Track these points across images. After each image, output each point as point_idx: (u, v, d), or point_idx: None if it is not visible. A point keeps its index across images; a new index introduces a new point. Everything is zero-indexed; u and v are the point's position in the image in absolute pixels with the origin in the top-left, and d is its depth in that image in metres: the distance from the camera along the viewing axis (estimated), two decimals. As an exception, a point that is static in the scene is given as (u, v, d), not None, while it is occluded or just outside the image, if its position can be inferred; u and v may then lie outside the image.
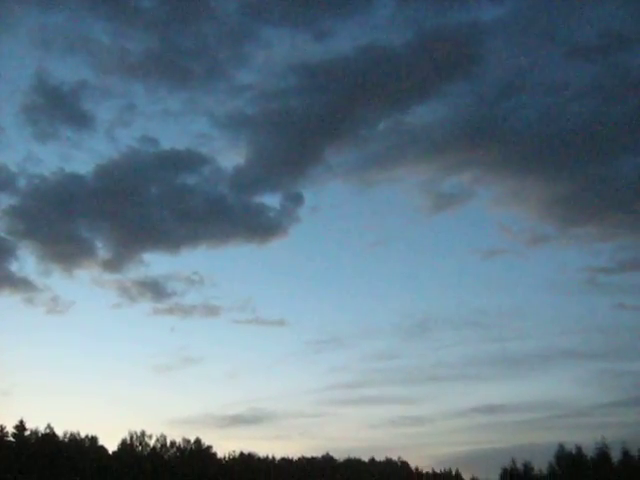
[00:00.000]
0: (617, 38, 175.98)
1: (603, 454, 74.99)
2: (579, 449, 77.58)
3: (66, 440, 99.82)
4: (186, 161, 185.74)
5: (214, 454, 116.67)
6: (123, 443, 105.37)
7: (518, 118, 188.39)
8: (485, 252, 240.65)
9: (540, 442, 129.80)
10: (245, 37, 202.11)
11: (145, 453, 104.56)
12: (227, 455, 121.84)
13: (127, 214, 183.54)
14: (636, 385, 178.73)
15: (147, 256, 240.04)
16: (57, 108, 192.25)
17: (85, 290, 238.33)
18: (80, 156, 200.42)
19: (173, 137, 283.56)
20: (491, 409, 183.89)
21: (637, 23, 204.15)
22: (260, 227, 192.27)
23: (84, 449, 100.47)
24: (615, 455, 75.00)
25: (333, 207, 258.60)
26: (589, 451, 76.61)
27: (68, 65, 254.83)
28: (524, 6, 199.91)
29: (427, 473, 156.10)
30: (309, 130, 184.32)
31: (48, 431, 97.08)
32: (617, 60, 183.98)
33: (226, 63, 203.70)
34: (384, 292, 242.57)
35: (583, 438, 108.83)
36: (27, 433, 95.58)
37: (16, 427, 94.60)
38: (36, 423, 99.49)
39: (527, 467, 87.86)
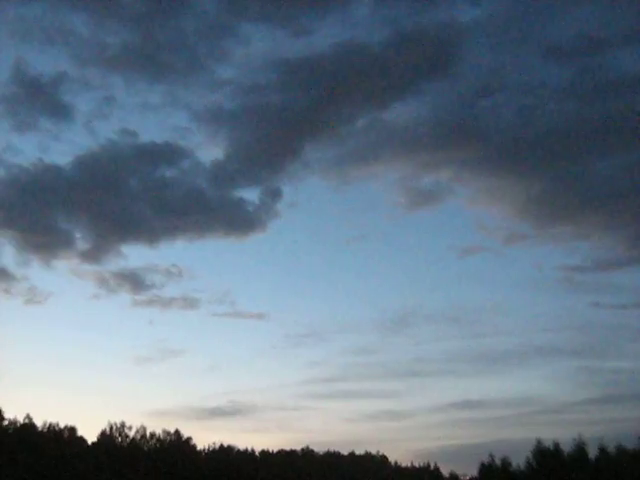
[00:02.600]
0: (593, 41, 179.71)
1: (580, 450, 75.66)
2: (556, 445, 78.16)
3: (45, 430, 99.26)
4: (165, 154, 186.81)
5: (194, 446, 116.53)
6: (102, 434, 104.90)
7: (495, 117, 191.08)
8: (462, 249, 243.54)
9: (518, 438, 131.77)
10: (224, 32, 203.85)
11: (124, 444, 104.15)
12: (206, 447, 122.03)
13: (106, 206, 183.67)
14: (612, 383, 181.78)
15: (126, 248, 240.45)
16: (36, 99, 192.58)
17: (63, 281, 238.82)
18: (59, 147, 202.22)
19: (152, 130, 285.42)
20: (469, 405, 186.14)
21: (613, 26, 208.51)
22: (239, 221, 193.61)
23: (63, 439, 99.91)
24: (592, 451, 75.88)
25: (311, 202, 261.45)
26: (566, 447, 77.36)
27: (47, 57, 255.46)
28: (502, 7, 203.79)
29: (406, 467, 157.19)
30: (288, 126, 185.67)
31: (27, 421, 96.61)
32: (593, 62, 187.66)
33: (206, 58, 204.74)
34: (363, 287, 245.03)
35: (560, 434, 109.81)
36: (5, 423, 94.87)
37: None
38: (14, 413, 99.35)
39: (505, 462, 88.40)
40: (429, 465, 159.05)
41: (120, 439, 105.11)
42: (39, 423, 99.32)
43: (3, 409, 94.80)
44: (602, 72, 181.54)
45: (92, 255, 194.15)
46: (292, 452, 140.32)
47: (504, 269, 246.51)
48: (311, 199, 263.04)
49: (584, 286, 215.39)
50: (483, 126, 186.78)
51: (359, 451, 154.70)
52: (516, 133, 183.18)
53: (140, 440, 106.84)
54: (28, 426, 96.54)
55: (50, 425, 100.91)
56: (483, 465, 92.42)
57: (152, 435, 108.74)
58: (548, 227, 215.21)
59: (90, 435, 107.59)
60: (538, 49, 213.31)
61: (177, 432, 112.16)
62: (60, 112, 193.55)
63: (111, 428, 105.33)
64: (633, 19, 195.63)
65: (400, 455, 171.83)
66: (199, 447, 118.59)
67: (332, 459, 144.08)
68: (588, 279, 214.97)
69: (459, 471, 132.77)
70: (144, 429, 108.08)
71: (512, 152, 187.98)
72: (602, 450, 75.23)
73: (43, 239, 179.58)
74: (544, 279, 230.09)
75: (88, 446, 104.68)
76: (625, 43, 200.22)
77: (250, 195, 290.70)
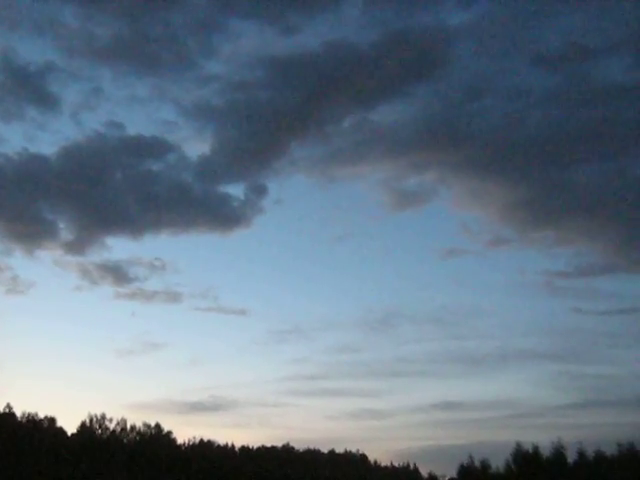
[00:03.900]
0: (580, 49, 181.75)
1: (559, 454, 76.17)
2: (536, 448, 78.59)
3: (24, 420, 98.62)
4: (152, 148, 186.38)
5: (174, 440, 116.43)
6: (82, 425, 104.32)
7: (481, 122, 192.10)
8: (446, 251, 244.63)
9: (497, 440, 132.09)
10: (214, 28, 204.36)
11: (104, 436, 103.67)
12: (187, 441, 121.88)
13: (91, 197, 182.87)
14: (592, 388, 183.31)
15: (110, 240, 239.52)
16: (23, 88, 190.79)
17: (46, 271, 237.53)
18: (45, 137, 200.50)
19: (139, 123, 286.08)
20: (450, 406, 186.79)
21: (600, 35, 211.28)
22: (224, 216, 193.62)
23: (42, 429, 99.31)
24: (571, 456, 76.42)
25: (297, 200, 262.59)
26: (545, 451, 77.80)
27: (35, 46, 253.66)
28: (491, 13, 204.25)
29: (385, 467, 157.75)
30: (274, 123, 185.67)
31: (7, 411, 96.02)
32: (580, 70, 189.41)
33: (194, 53, 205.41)
34: (347, 286, 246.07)
35: (540, 438, 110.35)
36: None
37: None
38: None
39: (484, 464, 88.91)
40: (408, 465, 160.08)
41: (100, 431, 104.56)
42: (19, 413, 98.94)
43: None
44: (588, 80, 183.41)
45: (76, 246, 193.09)
46: (272, 448, 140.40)
47: (487, 272, 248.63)
48: (296, 197, 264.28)
49: (566, 291, 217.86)
50: (469, 130, 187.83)
51: (339, 449, 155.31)
52: (502, 138, 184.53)
53: (120, 432, 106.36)
54: (7, 415, 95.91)
55: (29, 415, 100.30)
56: (462, 466, 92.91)
57: (132, 428, 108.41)
58: (531, 232, 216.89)
59: (70, 426, 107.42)
60: (525, 55, 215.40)
61: (158, 425, 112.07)
62: (47, 102, 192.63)
63: (91, 420, 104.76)
64: (620, 28, 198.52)
65: (380, 454, 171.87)
66: (179, 441, 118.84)
67: (312, 456, 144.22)
68: (570, 284, 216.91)
69: (438, 472, 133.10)
70: (124, 421, 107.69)
71: (497, 156, 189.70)
72: (581, 455, 75.85)
73: (27, 229, 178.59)
74: (526, 283, 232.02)
75: (67, 437, 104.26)
76: (611, 52, 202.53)
77: (235, 191, 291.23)
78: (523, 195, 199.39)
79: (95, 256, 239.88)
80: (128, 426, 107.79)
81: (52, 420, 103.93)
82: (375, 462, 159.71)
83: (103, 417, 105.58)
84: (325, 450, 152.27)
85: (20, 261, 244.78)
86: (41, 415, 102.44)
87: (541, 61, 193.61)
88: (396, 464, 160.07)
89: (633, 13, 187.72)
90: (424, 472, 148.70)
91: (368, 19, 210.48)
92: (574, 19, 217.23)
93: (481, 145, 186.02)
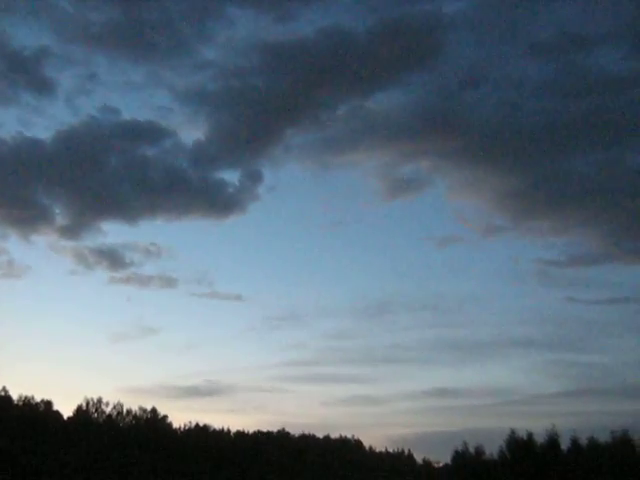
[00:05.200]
0: (576, 38, 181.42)
1: (553, 441, 76.57)
2: (530, 435, 78.96)
3: (20, 404, 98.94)
4: (147, 133, 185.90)
5: (170, 424, 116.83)
6: (79, 409, 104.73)
7: (477, 110, 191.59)
8: (441, 239, 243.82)
9: (491, 427, 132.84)
10: (209, 14, 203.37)
11: (100, 420, 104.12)
12: (182, 426, 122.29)
13: (86, 182, 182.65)
14: (585, 376, 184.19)
15: (105, 225, 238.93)
16: (18, 73, 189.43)
17: (42, 256, 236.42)
18: (40, 122, 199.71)
19: (134, 109, 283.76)
20: (444, 393, 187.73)
21: (596, 25, 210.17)
22: (219, 202, 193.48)
23: (39, 413, 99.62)
24: (564, 443, 76.80)
25: (292, 187, 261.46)
26: (539, 438, 78.14)
27: (31, 30, 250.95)
28: (486, 1, 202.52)
29: (380, 452, 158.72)
30: (269, 110, 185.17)
31: (3, 394, 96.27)
32: (575, 60, 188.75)
33: (190, 39, 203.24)
34: (342, 273, 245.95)
35: (534, 425, 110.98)
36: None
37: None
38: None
39: (478, 451, 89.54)
40: (403, 451, 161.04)
41: (96, 415, 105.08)
42: (15, 396, 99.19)
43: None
44: (583, 70, 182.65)
45: (71, 231, 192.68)
46: (268, 433, 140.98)
47: (482, 260, 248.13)
48: (291, 183, 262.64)
49: (559, 280, 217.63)
50: (464, 118, 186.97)
51: (334, 435, 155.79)
52: (497, 127, 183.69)
53: (116, 416, 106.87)
54: (4, 399, 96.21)
55: (26, 398, 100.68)
56: (457, 453, 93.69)
57: (128, 412, 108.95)
58: (526, 221, 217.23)
59: (66, 410, 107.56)
60: (521, 45, 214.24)
61: (154, 410, 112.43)
62: (42, 87, 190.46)
63: (87, 403, 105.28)
64: (615, 18, 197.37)
65: (375, 440, 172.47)
66: (175, 425, 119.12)
67: (308, 441, 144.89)
68: (563, 274, 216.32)
69: (433, 458, 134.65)
70: (121, 406, 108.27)
71: (492, 145, 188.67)
72: (574, 442, 76.21)
73: (22, 213, 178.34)
74: (521, 272, 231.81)
75: (64, 421, 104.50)
76: (607, 42, 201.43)
77: (230, 177, 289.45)
78: (518, 184, 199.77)
79: (90, 241, 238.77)
80: (124, 410, 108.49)
81: (48, 404, 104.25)
82: (370, 448, 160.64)
83: (99, 401, 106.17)
84: (320, 435, 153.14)
85: (15, 245, 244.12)
86: (37, 399, 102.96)
87: (536, 50, 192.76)
88: (391, 450, 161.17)
89: (628, 3, 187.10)
90: (419, 458, 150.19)
91: (363, 6, 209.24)
92: (569, 9, 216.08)
93: (476, 134, 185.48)
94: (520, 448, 78.06)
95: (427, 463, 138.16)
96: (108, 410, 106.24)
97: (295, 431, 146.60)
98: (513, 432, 79.96)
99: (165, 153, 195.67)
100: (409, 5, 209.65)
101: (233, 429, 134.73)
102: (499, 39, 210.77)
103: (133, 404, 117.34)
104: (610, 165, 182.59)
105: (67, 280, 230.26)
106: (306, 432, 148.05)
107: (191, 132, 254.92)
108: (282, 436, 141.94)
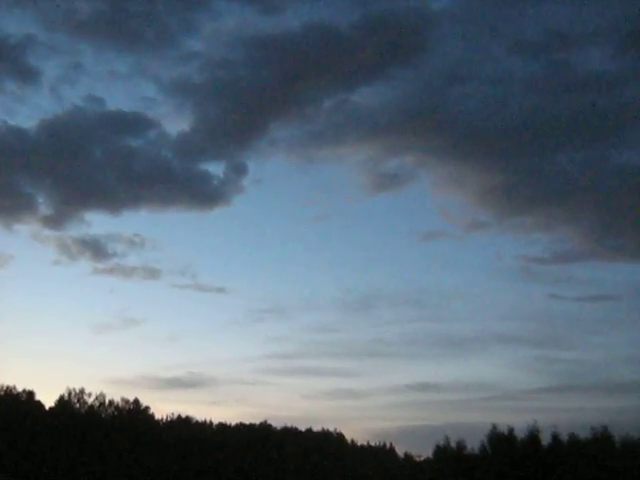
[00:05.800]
0: (560, 37, 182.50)
1: (533, 437, 77.18)
2: (511, 430, 79.51)
3: (2, 393, 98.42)
4: (131, 123, 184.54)
5: (152, 415, 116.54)
6: (61, 399, 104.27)
7: (461, 107, 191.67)
8: (425, 234, 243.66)
9: (473, 422, 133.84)
10: (195, 6, 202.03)
11: (83, 410, 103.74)
12: (165, 417, 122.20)
13: (70, 171, 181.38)
14: (567, 373, 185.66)
15: (88, 215, 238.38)
16: (2, 61, 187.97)
17: (24, 245, 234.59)
18: (24, 110, 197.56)
19: (119, 99, 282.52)
20: (427, 387, 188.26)
21: (580, 23, 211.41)
22: (203, 194, 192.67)
23: (20, 403, 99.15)
24: (545, 438, 77.40)
25: (276, 180, 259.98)
26: (520, 433, 78.67)
27: (15, 19, 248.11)
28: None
29: (362, 446, 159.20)
30: (255, 102, 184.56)
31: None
32: (559, 58, 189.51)
33: (175, 30, 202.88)
34: (326, 266, 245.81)
35: (515, 420, 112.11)
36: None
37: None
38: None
39: (460, 445, 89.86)
40: (385, 445, 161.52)
41: (78, 405, 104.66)
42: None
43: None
44: (568, 68, 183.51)
45: (54, 220, 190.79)
46: (251, 425, 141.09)
47: (465, 256, 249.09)
48: (276, 177, 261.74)
49: (542, 277, 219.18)
50: (449, 114, 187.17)
51: (316, 428, 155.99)
52: (481, 123, 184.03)
53: (98, 407, 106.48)
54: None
55: (7, 388, 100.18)
56: (438, 447, 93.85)
57: (111, 403, 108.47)
58: (509, 217, 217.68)
59: (48, 400, 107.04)
60: (506, 42, 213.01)
61: (136, 401, 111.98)
62: (26, 75, 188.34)
63: (69, 394, 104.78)
64: (601, 17, 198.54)
65: (356, 434, 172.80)
66: (157, 417, 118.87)
67: (290, 434, 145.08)
68: (546, 270, 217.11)
69: (414, 452, 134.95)
70: (103, 396, 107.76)
71: (477, 141, 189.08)
72: (555, 437, 76.81)
73: (5, 202, 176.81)
74: (504, 268, 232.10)
75: (46, 411, 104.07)
76: (592, 41, 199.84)
77: (215, 169, 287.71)
78: (501, 180, 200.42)
79: (73, 231, 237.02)
80: (106, 401, 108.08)
81: (30, 394, 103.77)
82: (352, 441, 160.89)
83: (82, 392, 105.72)
84: (302, 428, 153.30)
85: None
86: (19, 388, 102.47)
87: (521, 48, 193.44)
88: (372, 444, 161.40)
89: (614, 1, 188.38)
90: (400, 452, 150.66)
91: (350, 1, 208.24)
92: (555, 7, 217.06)
93: (461, 130, 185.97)
94: (501, 443, 78.65)
95: (409, 457, 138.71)
96: (90, 401, 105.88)
97: (277, 424, 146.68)
98: (494, 427, 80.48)
99: (150, 144, 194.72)
100: (394, 1, 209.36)
101: (215, 421, 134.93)
102: (485, 36, 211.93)
103: (115, 395, 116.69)
104: (594, 163, 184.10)
105: (50, 270, 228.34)
106: (288, 425, 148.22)
107: (176, 123, 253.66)
108: (264, 428, 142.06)
